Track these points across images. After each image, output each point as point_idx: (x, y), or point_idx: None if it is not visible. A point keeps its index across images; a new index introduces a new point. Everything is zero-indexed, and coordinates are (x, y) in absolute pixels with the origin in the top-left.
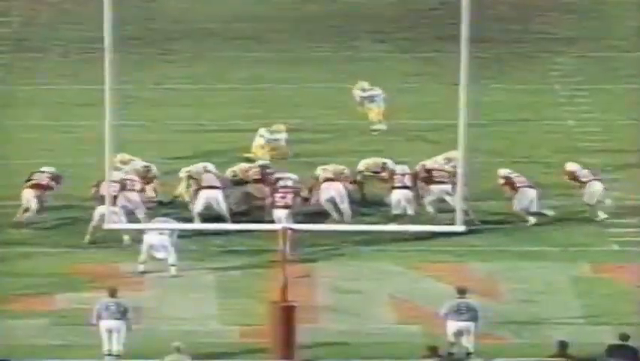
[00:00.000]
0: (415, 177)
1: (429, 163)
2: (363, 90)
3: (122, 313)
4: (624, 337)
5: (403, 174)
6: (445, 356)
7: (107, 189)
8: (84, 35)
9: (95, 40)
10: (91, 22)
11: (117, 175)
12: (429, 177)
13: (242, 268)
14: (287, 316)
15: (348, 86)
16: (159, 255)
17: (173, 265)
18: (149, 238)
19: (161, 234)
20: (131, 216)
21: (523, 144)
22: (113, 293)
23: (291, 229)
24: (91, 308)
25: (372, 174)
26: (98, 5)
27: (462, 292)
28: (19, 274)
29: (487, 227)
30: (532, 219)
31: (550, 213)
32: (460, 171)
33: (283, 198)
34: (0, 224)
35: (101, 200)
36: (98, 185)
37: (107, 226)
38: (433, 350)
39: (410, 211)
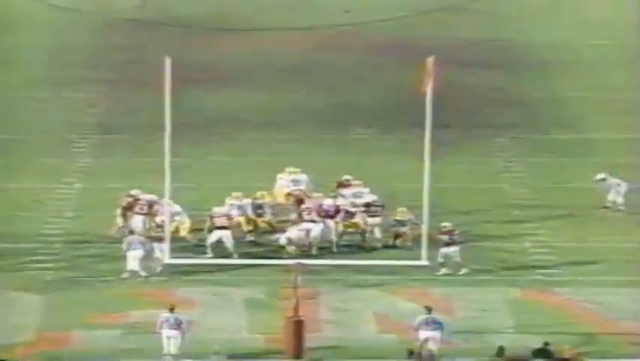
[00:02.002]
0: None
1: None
2: (289, 174)
3: (178, 325)
4: (545, 343)
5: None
6: (416, 354)
7: (167, 230)
8: (150, 121)
9: (158, 125)
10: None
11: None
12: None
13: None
14: (298, 327)
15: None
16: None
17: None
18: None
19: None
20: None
21: (471, 201)
22: (172, 309)
23: (301, 263)
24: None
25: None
26: (159, 99)
27: (429, 309)
28: None
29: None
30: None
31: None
32: (425, 219)
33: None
34: None
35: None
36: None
37: (168, 260)
38: (411, 352)
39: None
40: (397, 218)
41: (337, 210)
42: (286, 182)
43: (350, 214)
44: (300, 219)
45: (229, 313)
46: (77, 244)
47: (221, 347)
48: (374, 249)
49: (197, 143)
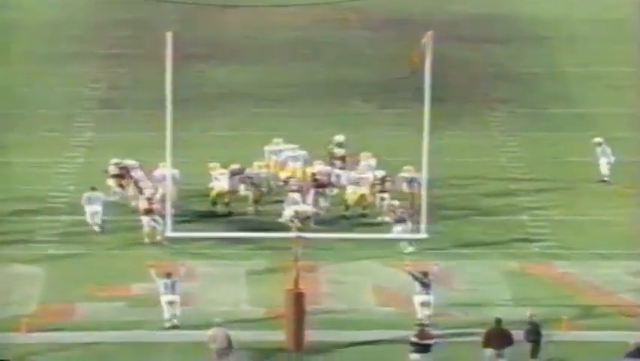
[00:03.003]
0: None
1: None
2: (278, 145)
3: (176, 289)
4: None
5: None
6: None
7: (167, 205)
8: (151, 96)
9: (159, 100)
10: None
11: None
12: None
13: (266, 265)
14: (298, 299)
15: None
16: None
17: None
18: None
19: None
20: None
21: (468, 176)
22: (169, 275)
23: (302, 236)
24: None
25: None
26: (161, 73)
27: (425, 274)
28: None
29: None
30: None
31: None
32: (423, 194)
33: None
34: None
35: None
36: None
37: (168, 234)
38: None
39: None
40: (403, 175)
41: (329, 181)
42: (287, 156)
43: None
44: (288, 189)
45: (230, 285)
46: (80, 217)
47: (222, 319)
48: (379, 223)
49: (199, 117)
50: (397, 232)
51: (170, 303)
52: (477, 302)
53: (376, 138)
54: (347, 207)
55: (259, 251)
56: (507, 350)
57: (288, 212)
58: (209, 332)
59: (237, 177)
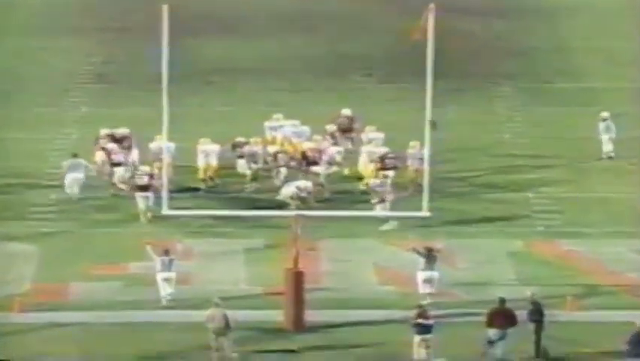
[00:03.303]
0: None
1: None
2: (277, 120)
3: (171, 266)
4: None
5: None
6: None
7: (164, 181)
8: (146, 70)
9: (155, 74)
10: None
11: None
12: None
13: (265, 244)
14: (297, 279)
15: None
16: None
17: None
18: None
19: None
20: None
21: (471, 153)
22: (167, 252)
23: (301, 215)
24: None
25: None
26: (159, 47)
27: (429, 250)
28: None
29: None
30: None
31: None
32: (426, 171)
33: None
34: None
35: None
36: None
37: (165, 212)
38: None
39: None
40: (410, 151)
41: (320, 158)
42: (292, 133)
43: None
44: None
45: (228, 264)
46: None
47: (220, 298)
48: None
49: (196, 92)
50: (378, 211)
51: (167, 280)
52: (480, 281)
53: (377, 113)
54: (361, 180)
55: (258, 229)
56: (511, 331)
57: (288, 189)
58: (207, 311)
59: (238, 151)
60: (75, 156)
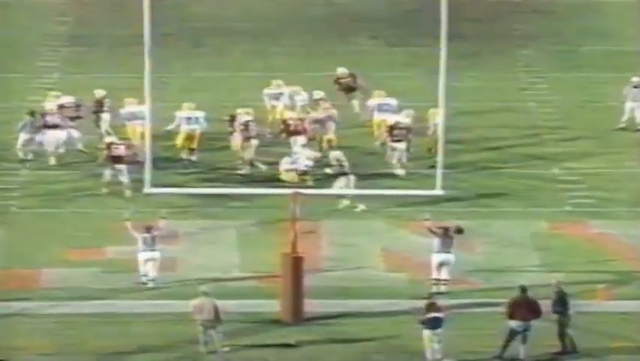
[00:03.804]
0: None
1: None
2: (278, 87)
3: (154, 244)
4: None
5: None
6: (428, 296)
7: (148, 154)
8: (129, 31)
9: (136, 37)
10: (132, 22)
11: None
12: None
13: (260, 226)
14: (296, 265)
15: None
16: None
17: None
18: None
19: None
20: None
21: (490, 123)
22: (149, 228)
23: (300, 193)
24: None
25: None
26: (138, 6)
27: (446, 230)
28: None
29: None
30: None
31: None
32: (440, 143)
33: None
34: None
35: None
36: None
37: (147, 190)
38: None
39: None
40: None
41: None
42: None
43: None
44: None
45: (218, 248)
46: (46, 171)
47: (209, 288)
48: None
49: (183, 57)
50: (339, 187)
51: (149, 261)
52: (500, 268)
53: (384, 79)
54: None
55: (252, 209)
56: (534, 323)
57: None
58: (194, 301)
59: (236, 123)
60: (31, 114)
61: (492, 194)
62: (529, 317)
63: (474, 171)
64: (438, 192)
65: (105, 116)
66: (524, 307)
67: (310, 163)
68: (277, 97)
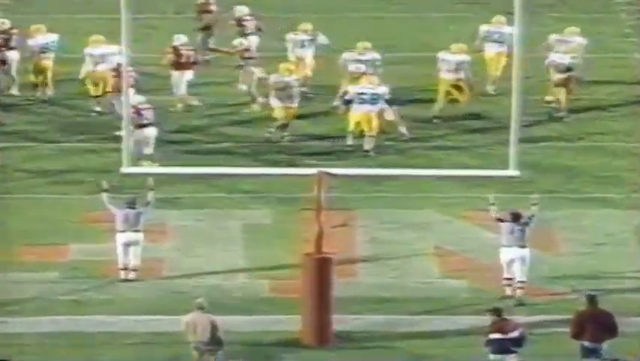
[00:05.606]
0: None
1: None
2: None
3: (138, 222)
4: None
5: None
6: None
7: (125, 133)
8: None
9: None
10: None
11: None
12: None
13: (272, 216)
14: (322, 268)
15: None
16: None
17: None
18: None
19: None
20: None
21: (579, 79)
22: (131, 203)
23: (327, 173)
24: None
25: None
26: None
27: (516, 217)
28: None
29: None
30: None
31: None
32: (514, 112)
33: None
34: None
35: None
36: None
37: (124, 169)
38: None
39: None
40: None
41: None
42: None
43: None
44: None
45: (218, 247)
46: None
47: (207, 298)
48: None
49: None
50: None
51: (130, 246)
52: (593, 273)
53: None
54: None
55: (263, 195)
56: (607, 344)
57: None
58: (187, 317)
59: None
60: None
61: (580, 176)
62: (600, 337)
63: (555, 148)
64: (512, 172)
65: (13, 55)
66: (594, 323)
67: None
68: (302, 44)
